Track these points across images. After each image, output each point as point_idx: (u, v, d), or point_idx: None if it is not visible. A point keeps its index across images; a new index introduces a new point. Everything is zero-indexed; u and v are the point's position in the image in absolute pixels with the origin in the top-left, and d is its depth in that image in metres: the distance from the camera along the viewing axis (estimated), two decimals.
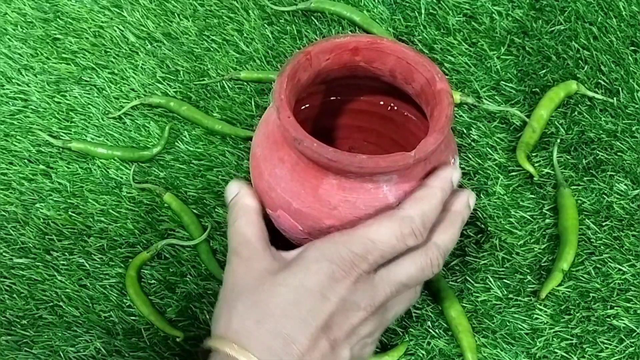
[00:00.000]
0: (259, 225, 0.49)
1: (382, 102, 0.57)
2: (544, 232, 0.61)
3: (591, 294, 0.57)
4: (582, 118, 0.67)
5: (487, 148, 0.65)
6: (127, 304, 0.59)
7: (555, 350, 0.55)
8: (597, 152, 0.64)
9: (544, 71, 0.70)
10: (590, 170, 0.64)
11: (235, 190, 0.50)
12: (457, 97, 0.67)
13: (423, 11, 0.74)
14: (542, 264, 0.59)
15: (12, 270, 0.61)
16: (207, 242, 0.61)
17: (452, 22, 0.73)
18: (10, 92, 0.72)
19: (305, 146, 0.44)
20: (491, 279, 0.58)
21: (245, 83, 0.71)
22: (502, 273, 0.59)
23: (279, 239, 0.51)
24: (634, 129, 0.66)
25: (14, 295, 0.60)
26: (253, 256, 0.47)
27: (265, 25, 0.75)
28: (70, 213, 0.64)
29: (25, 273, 0.60)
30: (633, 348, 0.55)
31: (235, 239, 0.48)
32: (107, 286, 0.60)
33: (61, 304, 0.59)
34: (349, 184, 0.47)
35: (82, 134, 0.69)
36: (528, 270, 0.59)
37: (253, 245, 0.47)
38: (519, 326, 0.56)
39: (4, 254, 0.62)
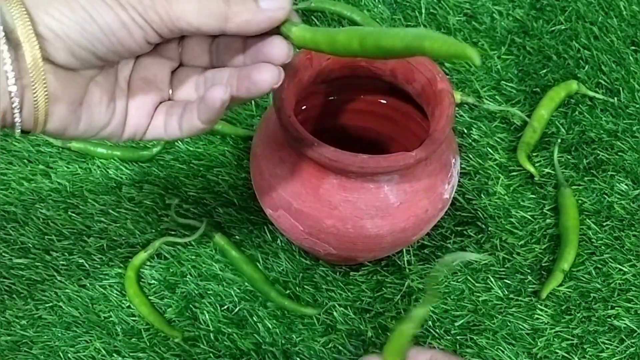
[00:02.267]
0: None
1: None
2: (544, 232, 0.61)
3: (592, 294, 0.57)
4: (583, 118, 0.66)
5: (488, 148, 0.65)
6: (126, 304, 0.58)
7: (556, 350, 0.55)
8: (598, 152, 0.64)
9: (544, 71, 0.70)
10: (591, 170, 0.64)
11: None
12: (458, 96, 0.67)
13: (423, 11, 0.74)
14: (543, 264, 0.59)
15: (12, 271, 0.61)
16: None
17: (453, 22, 0.73)
18: None
19: (306, 146, 0.44)
20: (492, 279, 0.58)
21: None
22: (503, 273, 0.59)
23: None
24: (634, 128, 0.66)
25: (14, 296, 0.59)
26: None
27: None
28: (69, 213, 0.63)
29: (25, 273, 0.60)
30: (634, 348, 0.55)
31: None
32: (107, 286, 0.59)
33: (61, 304, 0.59)
34: (349, 183, 0.46)
35: None
36: (529, 271, 0.59)
37: None
38: (520, 326, 0.56)
39: (3, 254, 0.61)
